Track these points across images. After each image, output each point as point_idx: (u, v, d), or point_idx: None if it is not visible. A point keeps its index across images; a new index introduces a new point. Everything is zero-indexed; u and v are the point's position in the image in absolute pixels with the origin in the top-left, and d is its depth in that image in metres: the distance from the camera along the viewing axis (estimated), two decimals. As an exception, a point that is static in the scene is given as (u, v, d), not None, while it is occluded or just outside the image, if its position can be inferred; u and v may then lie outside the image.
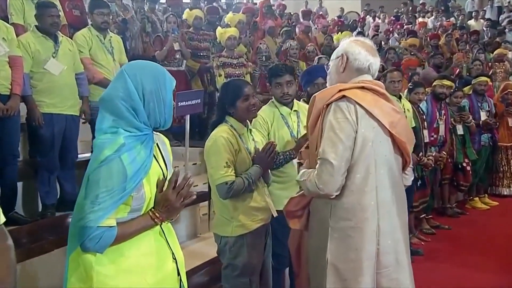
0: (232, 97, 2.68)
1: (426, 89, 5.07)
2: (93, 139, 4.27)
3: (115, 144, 1.60)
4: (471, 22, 13.07)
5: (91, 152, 4.05)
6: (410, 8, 14.36)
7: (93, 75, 4.29)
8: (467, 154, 5.71)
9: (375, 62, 2.19)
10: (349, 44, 2.21)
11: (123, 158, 1.58)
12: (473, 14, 13.50)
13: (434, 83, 5.27)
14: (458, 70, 7.67)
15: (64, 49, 3.94)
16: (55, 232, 3.46)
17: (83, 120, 4.19)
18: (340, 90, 2.09)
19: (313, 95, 2.21)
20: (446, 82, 5.22)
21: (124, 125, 1.65)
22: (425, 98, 5.02)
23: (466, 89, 6.11)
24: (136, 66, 1.73)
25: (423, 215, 5.14)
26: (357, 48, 2.17)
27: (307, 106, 3.23)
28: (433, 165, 4.79)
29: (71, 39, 4.25)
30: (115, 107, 1.65)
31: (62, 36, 4.03)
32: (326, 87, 2.76)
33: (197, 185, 4.08)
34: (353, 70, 2.17)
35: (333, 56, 2.27)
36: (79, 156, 4.21)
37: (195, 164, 5.19)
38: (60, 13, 4.07)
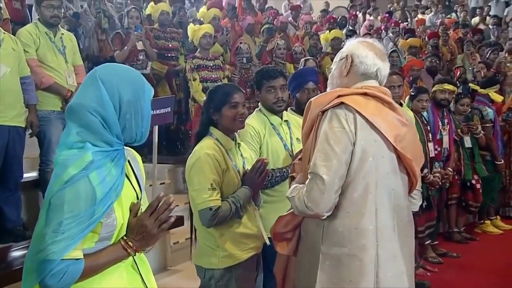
0: (218, 102, 2.70)
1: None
2: (41, 155, 4.27)
3: (82, 161, 1.59)
4: (476, 19, 13.38)
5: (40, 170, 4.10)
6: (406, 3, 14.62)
7: (41, 80, 4.24)
8: (477, 170, 5.80)
9: (384, 67, 2.21)
10: (355, 45, 2.24)
11: (91, 177, 1.57)
12: (477, 11, 13.76)
13: (434, 88, 5.36)
14: (459, 72, 7.79)
15: (7, 48, 3.90)
16: (-4, 268, 3.39)
17: (30, 133, 4.14)
18: (339, 96, 2.10)
19: (309, 100, 2.22)
20: (447, 87, 5.27)
21: (92, 138, 1.64)
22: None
23: (497, 96, 6.27)
24: (112, 71, 1.73)
25: (428, 241, 5.20)
26: (364, 51, 2.20)
27: (296, 117, 3.29)
28: (440, 183, 4.88)
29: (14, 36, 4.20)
30: (83, 118, 1.64)
31: (5, 33, 3.99)
32: (318, 93, 2.79)
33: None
34: (358, 74, 2.20)
35: (337, 57, 2.30)
36: (25, 176, 4.15)
37: (163, 183, 5.18)
38: (1, 5, 4.03)
